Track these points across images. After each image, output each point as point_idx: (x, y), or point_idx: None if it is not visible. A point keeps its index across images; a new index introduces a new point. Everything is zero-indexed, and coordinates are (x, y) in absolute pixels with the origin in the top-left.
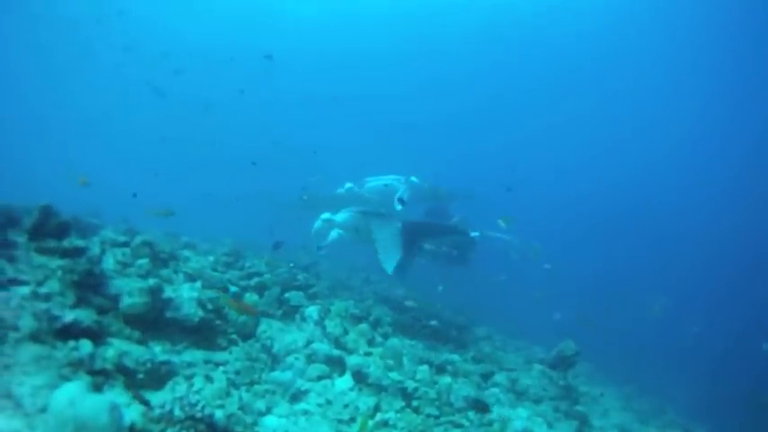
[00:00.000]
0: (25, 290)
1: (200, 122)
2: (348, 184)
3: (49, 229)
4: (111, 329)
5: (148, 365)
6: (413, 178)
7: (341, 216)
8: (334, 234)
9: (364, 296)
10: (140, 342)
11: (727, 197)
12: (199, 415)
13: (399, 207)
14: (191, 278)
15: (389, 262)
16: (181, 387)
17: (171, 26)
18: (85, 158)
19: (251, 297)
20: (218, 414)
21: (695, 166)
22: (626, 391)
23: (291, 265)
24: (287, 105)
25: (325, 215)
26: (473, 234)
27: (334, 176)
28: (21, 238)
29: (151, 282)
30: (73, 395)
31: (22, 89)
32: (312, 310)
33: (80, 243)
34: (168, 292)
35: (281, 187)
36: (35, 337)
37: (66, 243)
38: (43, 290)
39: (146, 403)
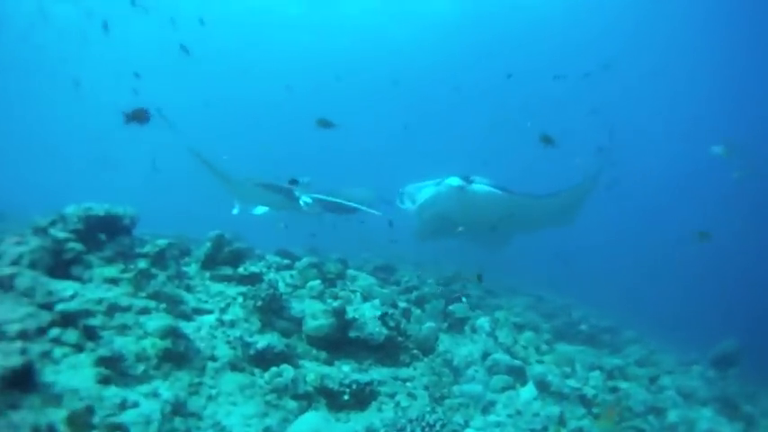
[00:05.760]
0: (211, 318)
1: None
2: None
3: (223, 258)
4: (297, 351)
5: (353, 387)
6: (450, 180)
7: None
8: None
9: (511, 304)
10: (327, 363)
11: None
12: None
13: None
14: (363, 297)
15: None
16: (388, 407)
17: None
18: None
19: (415, 311)
20: None
21: None
22: None
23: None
24: None
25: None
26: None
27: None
28: (191, 268)
29: (335, 303)
30: (316, 425)
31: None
32: (483, 322)
33: (255, 269)
34: (349, 311)
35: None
36: (234, 366)
37: (242, 270)
38: (227, 317)
39: None
